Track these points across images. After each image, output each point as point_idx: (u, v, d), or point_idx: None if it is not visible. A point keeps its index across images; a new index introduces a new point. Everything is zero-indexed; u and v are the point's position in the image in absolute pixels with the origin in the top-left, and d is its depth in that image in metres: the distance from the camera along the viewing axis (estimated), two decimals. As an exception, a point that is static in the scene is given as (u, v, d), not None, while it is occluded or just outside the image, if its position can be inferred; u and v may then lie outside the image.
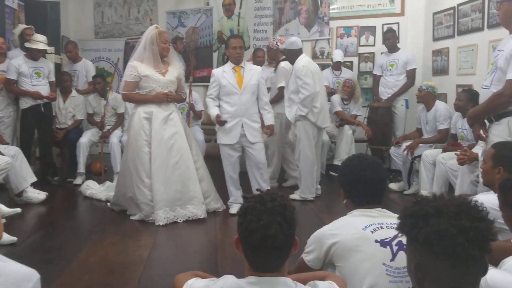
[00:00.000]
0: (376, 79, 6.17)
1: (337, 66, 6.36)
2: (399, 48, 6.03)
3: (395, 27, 6.38)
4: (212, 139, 4.85)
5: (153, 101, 4.12)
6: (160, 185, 4.00)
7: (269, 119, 4.38)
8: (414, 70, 5.91)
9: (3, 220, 2.27)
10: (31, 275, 1.45)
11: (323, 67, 6.17)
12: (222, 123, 4.19)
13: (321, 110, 4.66)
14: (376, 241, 1.75)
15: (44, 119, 5.32)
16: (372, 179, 1.89)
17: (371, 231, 1.78)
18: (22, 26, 5.44)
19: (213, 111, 4.23)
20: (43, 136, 5.39)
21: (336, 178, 2.11)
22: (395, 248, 1.72)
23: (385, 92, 5.99)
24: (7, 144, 4.81)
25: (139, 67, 4.11)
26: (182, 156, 4.13)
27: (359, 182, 1.89)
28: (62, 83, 5.78)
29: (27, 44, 5.14)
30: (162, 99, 4.12)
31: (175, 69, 4.29)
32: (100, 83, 5.81)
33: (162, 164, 4.03)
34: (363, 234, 1.78)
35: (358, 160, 1.98)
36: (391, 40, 5.99)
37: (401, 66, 5.90)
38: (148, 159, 4.05)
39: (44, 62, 5.35)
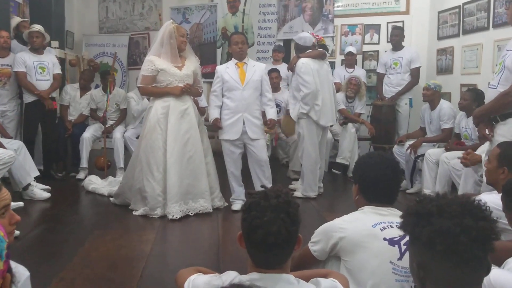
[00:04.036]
0: (380, 77, 6.15)
1: (350, 62, 6.31)
2: (403, 46, 6.00)
3: (400, 25, 6.35)
4: (215, 135, 4.85)
5: (171, 94, 4.15)
6: (176, 179, 4.05)
7: (271, 114, 4.38)
8: (418, 68, 5.89)
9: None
10: (21, 273, 1.42)
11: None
12: (219, 128, 4.29)
13: (322, 108, 4.62)
14: (385, 239, 1.76)
15: (48, 113, 5.30)
16: (391, 179, 1.91)
17: (380, 229, 1.78)
18: (17, 19, 5.45)
19: (213, 113, 4.28)
20: (47, 131, 5.38)
21: (352, 173, 2.10)
22: (403, 247, 1.72)
23: (388, 91, 5.97)
24: (11, 138, 4.82)
25: (156, 61, 4.15)
26: (196, 150, 4.20)
27: (378, 180, 1.88)
28: (83, 79, 6.04)
29: (24, 36, 5.16)
30: (179, 92, 4.16)
31: (192, 63, 4.33)
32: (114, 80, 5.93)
33: (178, 158, 4.08)
34: (372, 231, 1.78)
35: (379, 159, 1.96)
36: (398, 37, 5.96)
37: (405, 65, 5.88)
38: (161, 153, 4.09)
39: (48, 56, 5.34)
